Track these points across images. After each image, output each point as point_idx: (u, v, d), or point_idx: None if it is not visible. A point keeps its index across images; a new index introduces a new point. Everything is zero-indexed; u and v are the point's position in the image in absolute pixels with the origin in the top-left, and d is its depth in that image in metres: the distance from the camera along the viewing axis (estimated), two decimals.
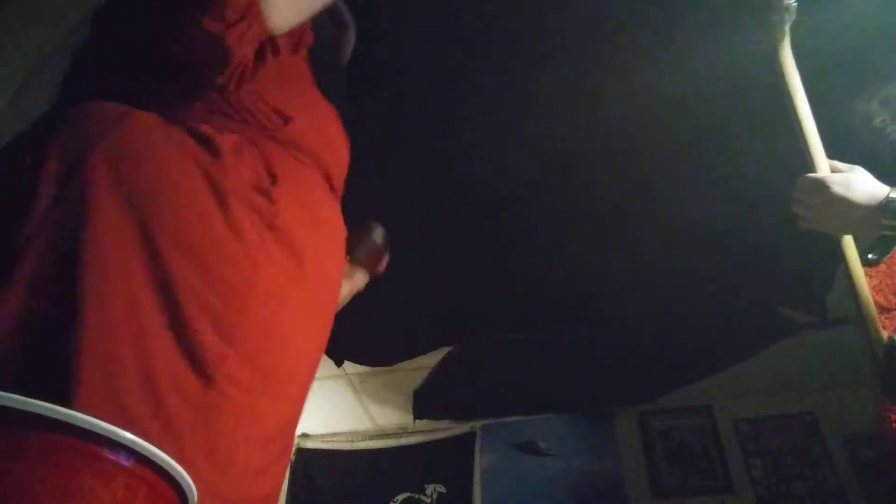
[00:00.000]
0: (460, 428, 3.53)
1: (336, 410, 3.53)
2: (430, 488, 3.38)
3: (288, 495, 3.50)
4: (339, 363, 2.81)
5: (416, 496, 3.37)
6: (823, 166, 1.16)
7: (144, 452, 0.59)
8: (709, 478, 3.10)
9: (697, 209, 1.45)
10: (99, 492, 0.56)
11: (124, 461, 0.57)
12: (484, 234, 2.09)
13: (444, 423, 3.57)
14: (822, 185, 1.11)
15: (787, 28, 1.29)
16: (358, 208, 2.02)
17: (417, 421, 3.46)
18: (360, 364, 2.90)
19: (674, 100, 1.49)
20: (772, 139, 1.67)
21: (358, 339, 2.69)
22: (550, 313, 2.49)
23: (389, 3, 1.44)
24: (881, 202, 1.04)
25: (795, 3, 1.27)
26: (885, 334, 1.08)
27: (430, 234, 2.10)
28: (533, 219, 2.03)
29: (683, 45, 1.50)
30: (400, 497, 3.39)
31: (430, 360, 2.92)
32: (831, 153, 1.18)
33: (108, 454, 0.57)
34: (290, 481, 3.54)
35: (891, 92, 1.40)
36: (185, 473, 0.63)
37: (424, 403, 3.31)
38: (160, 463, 0.60)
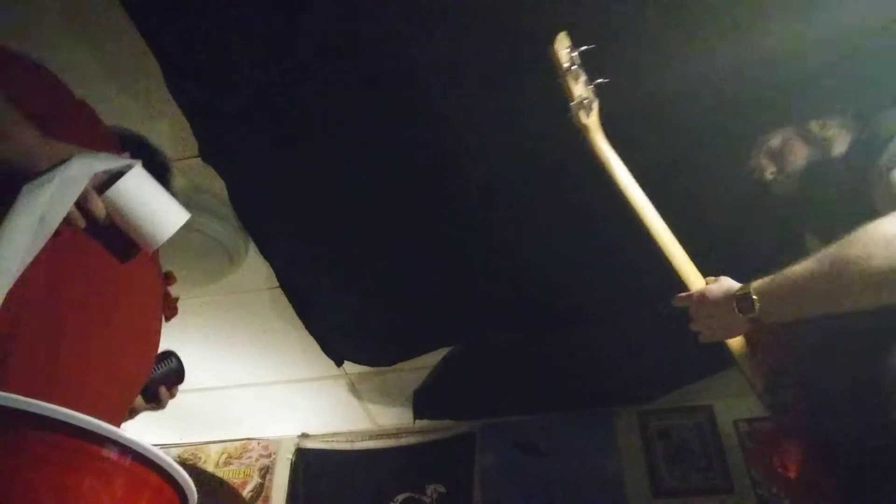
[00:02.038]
0: (460, 428, 3.53)
1: (336, 410, 3.53)
2: (430, 488, 3.37)
3: (288, 495, 3.50)
4: (339, 363, 2.81)
5: (416, 496, 3.37)
6: (695, 280, 1.27)
7: (144, 452, 0.59)
8: (709, 478, 3.10)
9: (697, 209, 1.45)
10: (99, 492, 0.56)
11: (124, 461, 0.58)
12: (483, 234, 2.09)
13: (444, 423, 3.56)
14: (692, 299, 1.23)
15: (588, 122, 1.37)
16: (358, 210, 2.02)
17: (417, 421, 3.46)
18: (360, 364, 2.90)
19: (666, 105, 1.50)
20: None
21: (358, 339, 2.69)
22: (550, 314, 2.49)
23: (375, 4, 1.44)
24: (732, 300, 1.15)
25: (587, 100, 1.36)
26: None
27: (430, 234, 2.10)
28: (532, 219, 2.03)
29: (677, 47, 1.50)
30: (400, 497, 3.39)
31: (430, 360, 2.92)
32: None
33: (108, 454, 0.57)
34: (290, 481, 3.55)
35: (772, 142, 1.43)
36: (184, 473, 0.63)
37: (424, 403, 3.31)
38: (160, 463, 0.60)
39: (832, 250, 1.03)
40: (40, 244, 0.76)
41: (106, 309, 0.90)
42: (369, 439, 3.66)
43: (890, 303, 0.98)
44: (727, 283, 1.21)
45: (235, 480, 3.63)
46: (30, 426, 0.53)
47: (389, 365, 2.90)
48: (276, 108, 1.68)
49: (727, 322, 1.19)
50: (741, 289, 1.15)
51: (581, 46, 1.37)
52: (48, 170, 0.80)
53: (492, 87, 1.62)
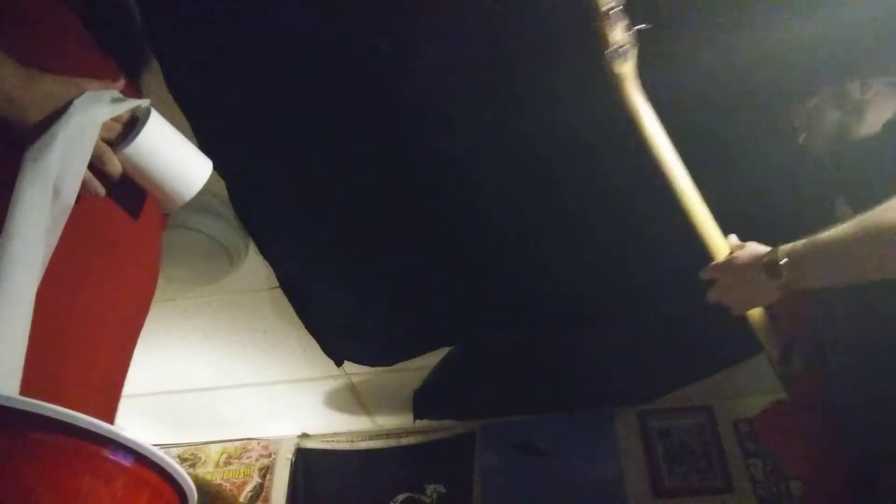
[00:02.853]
0: (460, 428, 3.53)
1: (336, 410, 3.53)
2: (430, 488, 3.38)
3: (288, 495, 3.50)
4: (339, 363, 2.81)
5: (416, 496, 3.37)
6: (722, 246, 1.20)
7: (144, 452, 0.59)
8: (709, 478, 3.10)
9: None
10: (99, 492, 0.56)
11: (124, 461, 0.58)
12: (483, 234, 2.09)
13: (444, 423, 3.57)
14: (726, 264, 1.16)
15: (624, 71, 1.24)
16: (358, 210, 2.02)
17: (417, 421, 3.46)
18: (360, 364, 2.90)
19: (661, 105, 1.50)
20: (769, 142, 1.68)
21: (358, 339, 2.69)
22: (550, 313, 2.49)
23: (373, 6, 1.44)
24: (760, 265, 1.09)
25: (623, 49, 1.23)
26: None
27: (430, 234, 2.10)
28: (532, 219, 2.03)
29: (675, 47, 1.50)
30: (400, 497, 3.39)
31: (430, 360, 2.92)
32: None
33: (108, 454, 0.57)
34: (290, 481, 3.55)
35: (807, 105, 1.37)
36: (184, 473, 0.63)
37: (424, 403, 3.31)
38: (160, 463, 0.60)
39: (868, 217, 0.98)
40: (62, 223, 0.64)
41: (110, 298, 0.78)
42: (369, 439, 3.66)
43: None
44: (754, 248, 1.15)
45: (235, 480, 3.63)
46: (30, 426, 0.53)
47: (389, 365, 2.90)
48: (276, 107, 1.68)
49: (755, 289, 1.13)
50: (769, 253, 1.10)
51: None
52: (44, 123, 0.67)
53: (492, 88, 1.62)
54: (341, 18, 1.47)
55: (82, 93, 0.72)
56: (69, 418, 0.54)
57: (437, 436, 3.55)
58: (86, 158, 0.67)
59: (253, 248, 2.25)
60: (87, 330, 0.74)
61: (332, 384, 3.28)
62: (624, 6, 1.24)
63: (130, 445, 0.58)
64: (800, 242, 1.07)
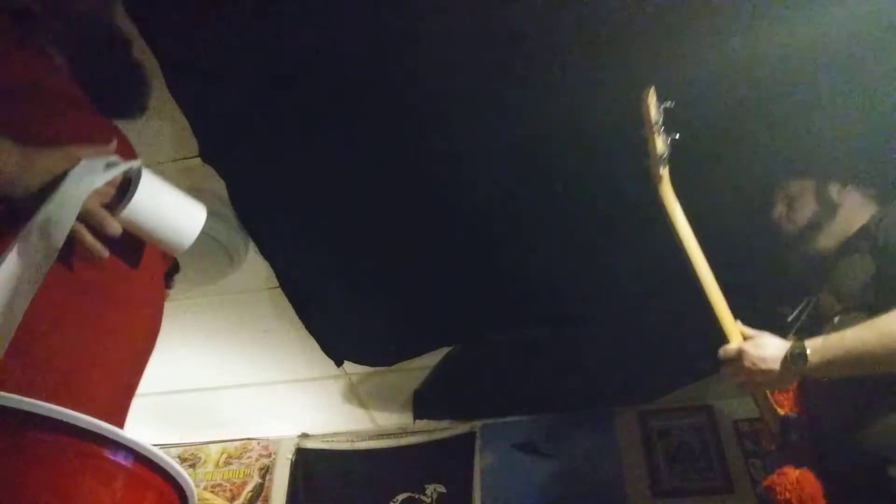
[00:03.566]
0: (460, 428, 3.53)
1: (336, 410, 3.53)
2: (430, 488, 3.37)
3: (288, 495, 3.50)
4: (339, 363, 2.81)
5: (416, 496, 3.37)
6: (736, 334, 1.36)
7: (144, 452, 0.59)
8: (709, 478, 3.10)
9: (696, 211, 1.46)
10: (99, 492, 0.56)
11: (124, 461, 0.58)
12: (483, 234, 2.08)
13: (444, 423, 3.56)
14: (740, 353, 1.31)
15: (663, 173, 1.45)
16: (358, 210, 2.02)
17: (417, 421, 3.46)
18: (360, 364, 2.90)
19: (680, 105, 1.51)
20: (771, 143, 1.68)
21: (358, 339, 2.69)
22: (550, 314, 2.48)
23: (373, 7, 1.44)
24: (786, 355, 1.26)
25: (666, 153, 1.44)
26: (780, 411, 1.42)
27: (430, 235, 2.10)
28: (532, 219, 2.03)
29: (677, 47, 1.50)
30: (400, 497, 3.39)
31: (430, 360, 2.92)
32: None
33: (108, 454, 0.57)
34: (290, 481, 3.55)
35: (790, 189, 1.55)
36: (184, 473, 0.63)
37: (424, 403, 3.31)
38: (160, 463, 0.60)
39: (883, 323, 1.16)
40: (45, 269, 0.71)
41: (115, 323, 0.85)
42: (369, 439, 3.66)
43: None
44: (776, 341, 1.31)
45: (235, 480, 3.63)
46: (30, 426, 0.53)
47: (389, 365, 2.90)
48: (276, 108, 1.68)
49: (777, 375, 1.28)
50: (796, 346, 1.25)
51: (664, 102, 1.44)
52: (43, 194, 0.74)
53: (493, 88, 1.62)
54: (341, 18, 1.47)
55: (77, 162, 0.79)
56: (69, 418, 0.54)
57: (437, 436, 3.55)
58: (75, 213, 0.74)
59: (253, 248, 2.25)
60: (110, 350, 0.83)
61: (332, 384, 3.28)
62: (664, 119, 1.45)
63: (130, 445, 0.58)
64: (822, 339, 1.23)
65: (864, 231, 1.39)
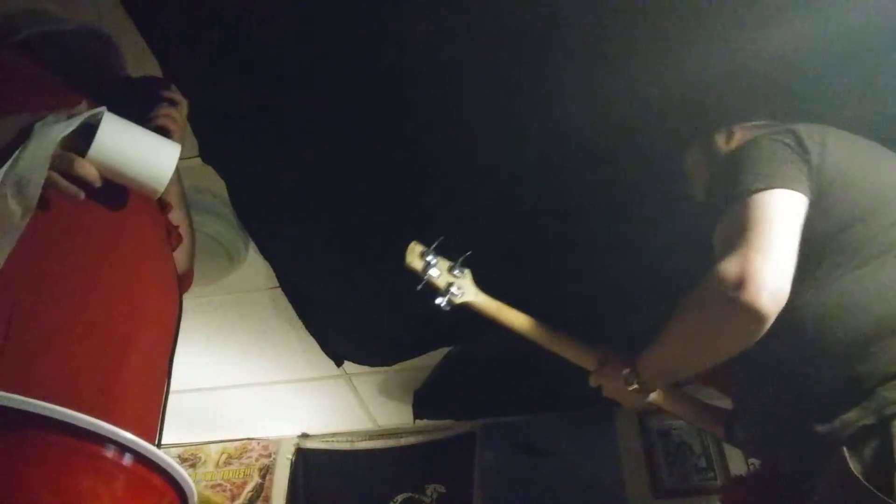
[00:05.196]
0: (460, 428, 3.53)
1: (336, 410, 3.53)
2: (430, 488, 3.37)
3: (288, 495, 3.50)
4: (339, 363, 2.81)
5: (416, 496, 3.37)
6: (586, 361, 1.44)
7: (144, 452, 0.59)
8: (709, 478, 3.10)
9: (695, 212, 1.46)
10: (99, 492, 0.56)
11: (124, 461, 0.58)
12: (482, 234, 2.08)
13: (444, 423, 3.56)
14: (598, 377, 1.39)
15: (469, 300, 1.50)
16: (358, 210, 2.02)
17: (417, 421, 3.45)
18: (360, 364, 2.90)
19: (662, 109, 1.50)
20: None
21: (358, 339, 2.69)
22: (550, 314, 2.48)
23: (373, 6, 1.44)
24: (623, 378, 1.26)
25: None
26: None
27: (430, 235, 2.10)
28: (531, 219, 2.03)
29: (677, 49, 1.50)
30: (400, 497, 3.38)
31: (430, 360, 2.92)
32: None
33: (108, 454, 0.57)
34: (289, 481, 3.55)
35: (687, 162, 1.43)
36: (184, 473, 0.63)
37: (424, 403, 3.30)
38: (160, 463, 0.60)
39: (674, 322, 1.10)
40: (22, 225, 0.72)
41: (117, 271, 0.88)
42: (369, 439, 3.66)
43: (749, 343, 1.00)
44: (612, 359, 1.33)
45: (235, 480, 3.63)
46: (30, 426, 0.53)
47: (389, 365, 2.90)
48: (275, 108, 1.68)
49: (627, 394, 1.31)
50: (624, 364, 1.26)
51: (433, 242, 1.46)
52: (10, 147, 0.75)
53: (493, 88, 1.62)
54: (341, 18, 1.47)
55: (43, 118, 0.80)
56: (69, 418, 0.54)
57: (437, 436, 3.55)
58: (45, 164, 0.75)
59: (253, 248, 2.25)
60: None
61: (332, 384, 3.28)
62: (437, 254, 1.46)
63: (130, 445, 0.58)
64: (647, 350, 1.18)
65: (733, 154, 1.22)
